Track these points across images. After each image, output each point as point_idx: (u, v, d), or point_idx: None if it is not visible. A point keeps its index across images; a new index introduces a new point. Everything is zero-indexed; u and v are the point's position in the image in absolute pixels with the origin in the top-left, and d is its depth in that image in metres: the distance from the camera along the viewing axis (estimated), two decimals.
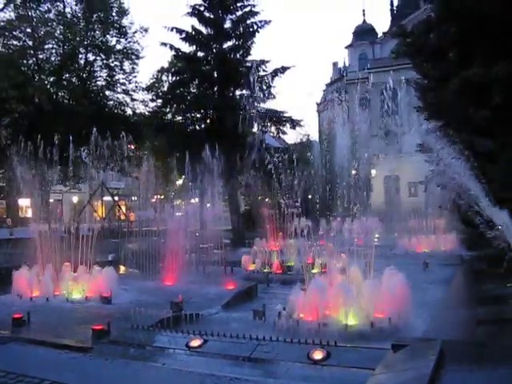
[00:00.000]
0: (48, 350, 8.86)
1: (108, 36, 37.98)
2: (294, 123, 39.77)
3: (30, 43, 35.44)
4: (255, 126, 39.94)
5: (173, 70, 41.06)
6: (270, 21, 38.96)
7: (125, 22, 38.36)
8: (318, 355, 7.62)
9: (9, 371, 7.64)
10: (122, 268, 18.50)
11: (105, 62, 38.35)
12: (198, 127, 40.26)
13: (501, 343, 7.51)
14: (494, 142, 17.45)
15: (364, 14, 72.80)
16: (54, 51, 36.89)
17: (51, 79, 36.81)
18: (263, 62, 39.04)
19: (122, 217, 46.32)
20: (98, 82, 39.23)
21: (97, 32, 37.53)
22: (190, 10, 38.77)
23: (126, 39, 38.32)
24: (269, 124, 39.46)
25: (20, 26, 35.02)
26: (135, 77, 39.53)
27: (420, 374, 6.27)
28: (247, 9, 38.86)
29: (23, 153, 32.60)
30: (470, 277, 16.69)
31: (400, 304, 9.71)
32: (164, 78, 43.05)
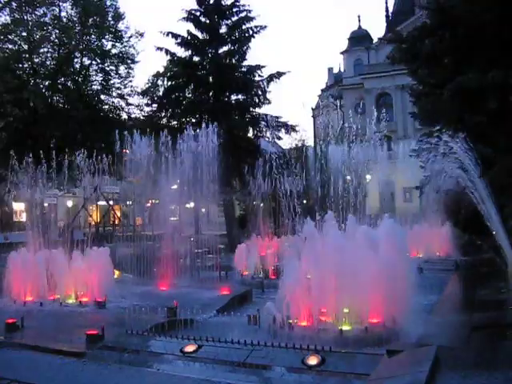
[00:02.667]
0: (42, 355, 8.82)
1: (103, 40, 37.97)
2: (290, 128, 39.75)
3: (26, 47, 35.35)
4: (250, 130, 39.94)
5: (168, 74, 41.02)
6: (265, 26, 39.01)
7: (120, 26, 38.40)
8: (312, 361, 7.61)
9: (2, 377, 7.59)
10: (117, 273, 18.45)
11: (100, 66, 38.32)
12: (193, 132, 40.22)
13: (496, 349, 7.51)
14: (491, 147, 17.50)
15: (359, 20, 72.82)
16: (49, 55, 36.84)
17: (46, 83, 36.73)
18: (259, 67, 39.03)
19: (117, 221, 46.15)
20: (94, 86, 39.21)
21: (92, 36, 37.49)
22: (186, 15, 38.78)
23: (122, 43, 38.33)
24: (264, 129, 39.42)
25: (15, 29, 34.94)
26: (130, 81, 39.56)
27: (415, 380, 6.27)
28: (243, 14, 38.87)
29: (18, 157, 32.54)
30: (464, 282, 16.71)
31: (395, 309, 9.71)
32: (159, 82, 43.12)
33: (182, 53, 39.26)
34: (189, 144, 23.47)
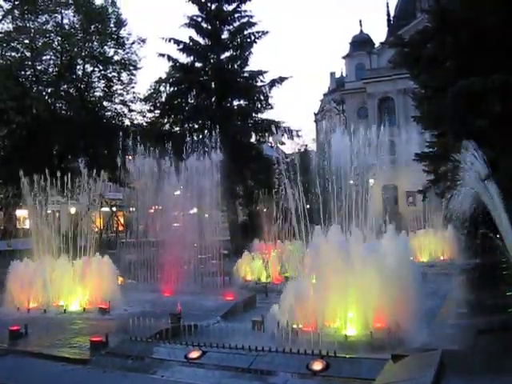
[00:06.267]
0: (46, 362, 8.80)
1: (106, 47, 38.03)
2: (292, 133, 39.77)
3: (28, 54, 35.46)
4: (253, 136, 39.95)
5: (170, 80, 41.08)
6: (267, 31, 39.11)
7: (122, 32, 38.45)
8: (317, 366, 7.58)
9: None
10: (120, 279, 18.44)
11: (102, 72, 38.37)
12: (195, 137, 40.29)
13: (501, 353, 7.47)
14: (493, 150, 17.43)
15: (361, 24, 72.95)
16: (51, 62, 36.93)
17: (49, 90, 36.82)
18: (261, 72, 39.10)
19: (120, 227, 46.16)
20: (96, 93, 39.26)
21: (94, 43, 37.57)
22: (188, 21, 38.90)
23: (124, 50, 38.37)
24: (266, 134, 39.45)
25: (18, 37, 35.04)
26: (133, 87, 39.57)
27: None
28: (244, 19, 38.96)
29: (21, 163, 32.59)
30: (469, 286, 16.65)
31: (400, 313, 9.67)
32: (162, 88, 43.07)
33: (184, 59, 39.41)
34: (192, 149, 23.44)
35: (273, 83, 38.88)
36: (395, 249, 10.18)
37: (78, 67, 37.82)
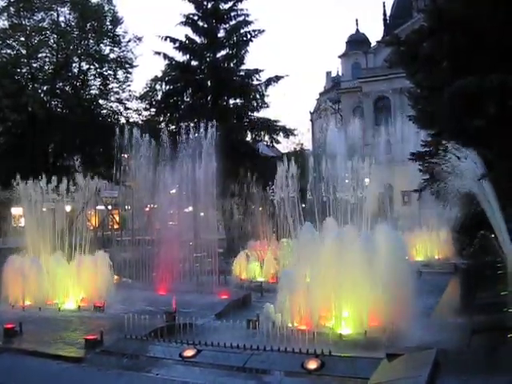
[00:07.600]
0: (41, 360, 8.79)
1: (102, 45, 37.94)
2: (288, 132, 39.79)
3: (24, 52, 35.34)
4: (249, 135, 39.95)
5: (166, 78, 41.00)
6: (263, 30, 39.12)
7: (118, 30, 38.32)
8: (312, 365, 7.58)
9: (0, 382, 7.57)
10: (116, 277, 18.42)
11: (98, 70, 38.28)
12: (191, 136, 40.23)
13: (495, 352, 7.49)
14: (490, 150, 17.44)
15: (357, 24, 72.74)
16: (47, 60, 36.80)
17: (45, 88, 36.72)
18: (257, 71, 39.09)
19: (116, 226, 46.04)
20: (92, 91, 39.13)
21: (90, 41, 37.48)
22: (184, 20, 38.85)
23: (120, 48, 38.26)
24: (262, 133, 39.44)
25: (14, 34, 34.95)
26: (129, 86, 39.46)
27: None
28: (241, 18, 38.95)
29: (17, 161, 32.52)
30: (464, 285, 16.69)
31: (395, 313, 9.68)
32: (158, 86, 42.98)
33: (180, 57, 39.35)
34: (187, 148, 23.43)
35: (269, 82, 38.88)
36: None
37: (73, 65, 37.72)
